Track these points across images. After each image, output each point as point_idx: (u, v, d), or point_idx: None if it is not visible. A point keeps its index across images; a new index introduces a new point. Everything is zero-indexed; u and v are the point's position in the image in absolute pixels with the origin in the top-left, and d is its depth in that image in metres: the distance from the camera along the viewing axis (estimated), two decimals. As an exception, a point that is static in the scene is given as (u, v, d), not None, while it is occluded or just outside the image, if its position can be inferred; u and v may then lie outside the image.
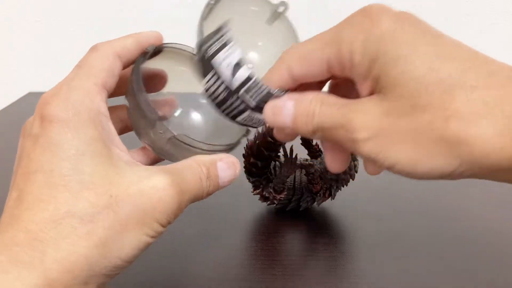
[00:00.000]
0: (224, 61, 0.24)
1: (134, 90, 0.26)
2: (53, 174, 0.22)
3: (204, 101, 0.32)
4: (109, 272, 0.22)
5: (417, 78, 0.20)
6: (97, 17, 0.90)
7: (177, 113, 0.32)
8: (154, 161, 0.30)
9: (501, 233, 0.40)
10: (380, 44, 0.21)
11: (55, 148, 0.22)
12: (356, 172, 0.42)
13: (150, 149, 0.29)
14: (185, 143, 0.26)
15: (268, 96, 0.25)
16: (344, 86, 0.26)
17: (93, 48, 0.26)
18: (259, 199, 0.43)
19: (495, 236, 0.40)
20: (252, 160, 0.41)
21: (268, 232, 0.41)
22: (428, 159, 0.20)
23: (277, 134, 0.27)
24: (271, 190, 0.42)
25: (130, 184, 0.23)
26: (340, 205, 0.45)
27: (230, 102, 0.25)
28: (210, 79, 0.25)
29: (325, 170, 0.42)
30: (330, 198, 0.43)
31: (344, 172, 0.42)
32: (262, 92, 0.25)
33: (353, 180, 0.42)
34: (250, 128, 0.29)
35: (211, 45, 0.25)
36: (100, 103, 0.24)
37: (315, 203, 0.44)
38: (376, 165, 0.23)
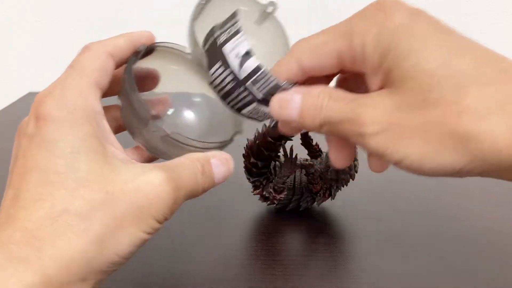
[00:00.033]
0: (233, 50, 0.24)
1: (127, 90, 0.26)
2: (48, 172, 0.22)
3: (197, 99, 0.32)
4: (107, 268, 0.22)
5: (429, 72, 0.20)
6: (97, 17, 0.90)
7: (170, 112, 0.32)
8: (148, 160, 0.30)
9: (501, 233, 0.40)
10: (393, 37, 0.21)
11: (50, 146, 0.22)
12: (356, 172, 0.42)
13: (144, 148, 0.29)
14: (178, 141, 0.26)
15: (276, 89, 0.24)
16: (352, 81, 0.26)
17: (85, 48, 0.26)
18: (259, 199, 0.43)
19: (495, 236, 0.40)
20: (252, 160, 0.41)
21: (268, 232, 0.41)
22: (437, 155, 0.20)
23: (282, 128, 0.27)
24: (271, 190, 0.42)
25: (125, 181, 0.23)
26: (340, 205, 0.45)
27: (236, 93, 0.25)
28: (217, 69, 0.25)
29: (325, 170, 0.42)
30: (330, 198, 0.43)
31: (344, 172, 0.42)
32: (269, 84, 0.24)
33: (353, 180, 0.42)
34: (255, 122, 0.29)
35: (221, 34, 0.25)
36: (94, 102, 0.24)
37: (315, 203, 0.44)
38: (383, 161, 0.23)
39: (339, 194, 0.44)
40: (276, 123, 0.40)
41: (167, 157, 0.28)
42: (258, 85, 0.24)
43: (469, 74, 0.19)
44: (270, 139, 0.40)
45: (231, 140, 0.29)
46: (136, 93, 0.26)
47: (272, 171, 0.43)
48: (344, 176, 0.42)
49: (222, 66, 0.25)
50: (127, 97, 0.26)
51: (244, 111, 0.26)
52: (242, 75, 0.24)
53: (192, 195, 0.25)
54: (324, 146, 0.44)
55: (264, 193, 0.42)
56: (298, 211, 0.44)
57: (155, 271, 0.36)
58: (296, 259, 0.37)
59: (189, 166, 0.25)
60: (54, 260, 0.20)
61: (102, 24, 0.90)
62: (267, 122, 0.41)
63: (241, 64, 0.24)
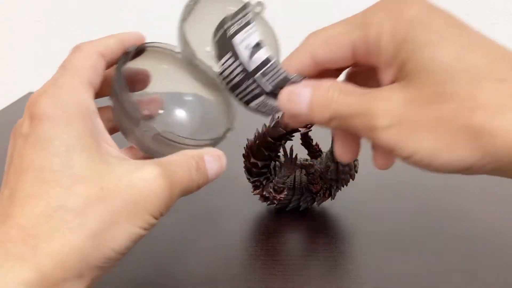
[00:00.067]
0: (244, 41, 0.24)
1: (117, 90, 0.26)
2: (43, 170, 0.22)
3: (188, 98, 0.33)
4: (103, 264, 0.22)
5: (444, 65, 0.20)
6: (97, 17, 0.90)
7: (161, 111, 0.33)
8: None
9: (501, 233, 0.40)
10: (409, 30, 0.21)
11: (45, 145, 0.22)
12: (356, 172, 0.42)
13: (137, 148, 0.29)
14: (170, 140, 0.26)
15: (285, 81, 0.24)
16: (362, 76, 0.26)
17: (76, 48, 0.26)
18: (259, 199, 0.43)
19: (495, 236, 0.40)
20: (252, 160, 0.41)
21: (268, 232, 0.41)
22: (448, 150, 0.20)
23: (289, 121, 0.26)
24: (271, 190, 0.42)
25: (120, 177, 0.23)
26: (340, 205, 0.45)
27: (245, 85, 0.25)
28: (227, 60, 0.25)
29: (325, 170, 0.42)
30: (330, 198, 0.43)
31: (344, 172, 0.42)
32: (279, 76, 0.24)
33: (353, 180, 0.42)
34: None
35: (231, 25, 0.25)
36: (88, 100, 0.24)
37: (315, 203, 0.44)
38: (390, 156, 0.23)
39: (339, 194, 0.44)
40: (277, 123, 0.40)
41: (160, 156, 0.28)
42: (267, 77, 0.24)
43: (483, 69, 0.19)
44: (270, 139, 0.40)
45: (223, 136, 0.29)
46: (127, 93, 0.26)
47: (272, 171, 0.43)
48: (344, 176, 0.42)
49: (232, 58, 0.25)
50: (117, 98, 0.26)
51: (252, 104, 0.26)
52: (252, 66, 0.24)
53: (188, 191, 0.25)
54: (324, 146, 0.44)
55: (264, 193, 0.42)
56: (298, 211, 0.44)
57: (155, 271, 0.36)
58: (296, 259, 0.37)
59: (183, 162, 0.25)
60: (50, 257, 0.21)
61: (102, 24, 0.90)
62: (267, 122, 0.41)
63: (251, 56, 0.24)
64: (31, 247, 0.20)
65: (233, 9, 0.31)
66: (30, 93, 0.83)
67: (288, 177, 0.42)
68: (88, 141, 0.23)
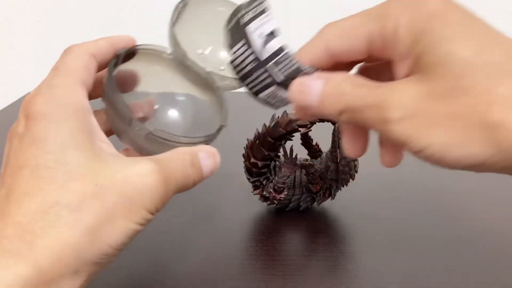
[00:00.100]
0: (258, 29, 0.24)
1: (108, 91, 0.26)
2: (38, 168, 0.22)
3: (180, 97, 0.33)
4: (99, 260, 0.22)
5: (462, 59, 0.19)
6: (97, 17, 0.91)
7: (153, 111, 0.33)
8: None
9: (501, 233, 0.40)
10: (428, 22, 0.20)
11: (40, 143, 0.22)
12: (356, 172, 0.42)
13: (131, 148, 0.29)
14: (162, 138, 0.26)
15: (297, 72, 0.24)
16: (374, 72, 0.25)
17: (67, 50, 0.26)
18: (259, 199, 0.43)
19: (495, 236, 0.40)
20: (252, 160, 0.41)
21: (268, 232, 0.41)
22: (462, 144, 0.19)
23: (298, 113, 0.26)
24: (271, 190, 0.42)
25: (114, 173, 0.23)
26: (340, 205, 0.45)
27: (256, 75, 0.25)
28: (239, 48, 0.24)
29: (325, 170, 0.42)
30: (330, 198, 0.43)
31: (344, 172, 0.42)
32: (291, 66, 0.24)
33: (353, 180, 0.42)
34: (272, 106, 0.28)
35: (246, 12, 0.24)
36: (82, 98, 0.25)
37: (315, 203, 0.44)
38: (403, 149, 0.22)
39: (339, 194, 0.44)
40: (277, 123, 0.40)
41: (155, 155, 0.28)
42: (279, 67, 0.24)
43: (502, 65, 0.19)
44: (270, 139, 0.40)
45: (216, 134, 0.29)
46: (118, 94, 0.26)
47: (272, 171, 0.43)
48: (344, 176, 0.42)
49: (245, 46, 0.24)
50: (109, 99, 0.26)
51: (262, 94, 0.26)
52: (264, 55, 0.24)
53: (183, 187, 0.25)
54: (324, 146, 0.44)
55: (264, 193, 0.42)
56: (298, 211, 0.44)
57: (155, 270, 0.36)
58: (296, 259, 0.37)
59: (178, 159, 0.25)
60: (46, 252, 0.21)
61: (102, 24, 0.90)
62: (267, 122, 0.41)
63: (264, 44, 0.24)
64: (27, 243, 0.21)
65: (223, 9, 0.31)
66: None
67: (288, 177, 0.42)
68: (83, 139, 0.23)
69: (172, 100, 0.33)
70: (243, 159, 0.43)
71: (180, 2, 0.30)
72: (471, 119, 0.19)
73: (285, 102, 0.26)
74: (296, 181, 0.42)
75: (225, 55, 0.33)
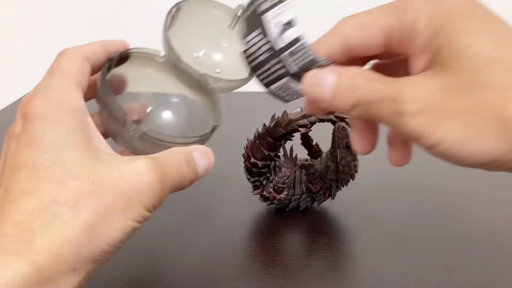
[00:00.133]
0: (275, 19, 0.23)
1: (102, 94, 0.27)
2: (36, 168, 0.22)
3: (173, 98, 0.33)
4: (98, 257, 0.22)
5: (482, 54, 0.19)
6: (97, 17, 0.90)
7: (147, 113, 0.33)
8: None
9: (501, 233, 0.40)
10: (448, 17, 0.20)
11: (37, 143, 0.23)
12: (356, 172, 0.42)
13: (127, 150, 0.29)
14: (156, 139, 0.27)
15: (312, 64, 0.23)
16: (388, 69, 0.25)
17: (61, 53, 0.26)
18: (259, 199, 0.43)
19: (495, 236, 0.40)
20: (252, 160, 0.41)
21: (268, 232, 0.41)
22: (477, 139, 0.19)
23: (309, 107, 0.26)
24: (271, 190, 0.42)
25: (111, 171, 0.23)
26: (340, 205, 0.45)
27: (269, 65, 0.24)
28: (254, 37, 0.24)
29: (325, 170, 0.42)
30: (330, 198, 0.43)
31: (344, 172, 0.42)
32: (307, 57, 0.23)
33: (353, 180, 0.42)
34: (282, 100, 0.27)
35: (263, 1, 0.24)
36: (77, 99, 0.25)
37: (315, 203, 0.44)
38: (417, 144, 0.22)
39: (339, 194, 0.44)
40: (277, 123, 0.40)
41: None
42: (294, 57, 0.23)
43: None
44: (270, 139, 0.40)
45: (210, 134, 0.29)
46: (111, 96, 0.26)
47: (272, 171, 0.43)
48: (344, 176, 0.42)
49: (260, 35, 0.24)
50: (103, 101, 0.27)
51: (273, 86, 0.25)
52: (280, 45, 0.23)
53: (179, 185, 0.26)
54: (324, 146, 0.44)
55: (264, 193, 0.42)
56: (298, 211, 0.44)
57: (155, 270, 0.36)
58: (296, 259, 0.37)
59: (174, 158, 0.25)
60: (44, 250, 0.21)
61: (102, 24, 0.90)
62: (267, 122, 0.41)
63: (281, 33, 0.23)
64: (25, 241, 0.21)
65: (216, 13, 0.31)
66: (30, 93, 0.83)
67: (288, 177, 0.42)
68: (79, 138, 0.23)
69: (165, 101, 0.33)
70: (243, 159, 0.43)
71: (173, 7, 0.30)
72: (487, 114, 0.19)
73: (296, 95, 0.26)
74: (296, 181, 0.42)
75: (220, 58, 0.33)
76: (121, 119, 0.26)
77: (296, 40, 0.23)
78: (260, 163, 0.41)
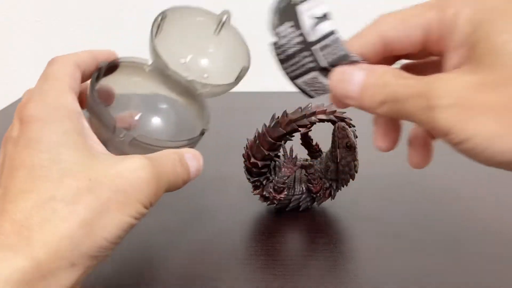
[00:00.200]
0: (309, 11, 0.23)
1: (92, 103, 0.27)
2: (34, 167, 0.23)
3: (162, 104, 0.34)
4: (96, 253, 0.23)
5: None
6: (97, 17, 0.90)
7: (136, 119, 0.34)
8: None
9: (501, 233, 0.40)
10: (489, 13, 0.20)
11: (35, 144, 0.23)
12: (356, 172, 0.42)
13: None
14: (146, 143, 0.27)
15: (343, 59, 0.23)
16: (417, 69, 0.25)
17: (52, 61, 0.27)
18: (259, 199, 0.43)
19: (495, 236, 0.40)
20: (252, 160, 0.41)
21: (268, 232, 0.41)
22: (508, 136, 0.19)
23: (334, 101, 0.26)
24: (271, 190, 0.42)
25: (108, 168, 0.24)
26: (340, 205, 0.45)
27: (299, 57, 0.24)
28: (287, 28, 0.24)
29: (325, 170, 0.42)
30: (330, 198, 0.43)
31: (344, 172, 0.42)
32: (338, 52, 0.23)
33: (353, 180, 0.42)
34: (306, 95, 0.27)
35: None
36: (72, 102, 0.26)
37: (315, 203, 0.44)
38: (444, 139, 0.21)
39: (339, 194, 0.44)
40: (277, 122, 0.40)
41: None
42: (326, 51, 0.23)
43: None
44: (270, 139, 0.40)
45: (198, 138, 0.30)
46: (100, 104, 0.27)
47: (272, 171, 0.43)
48: (344, 176, 0.42)
49: (293, 26, 0.24)
50: (92, 109, 0.28)
51: (300, 79, 0.25)
52: (312, 37, 0.23)
53: (174, 185, 0.26)
54: (324, 146, 0.44)
55: (264, 193, 0.42)
56: (298, 211, 0.44)
57: (154, 270, 0.36)
58: (296, 259, 0.37)
59: (168, 157, 0.26)
60: (43, 246, 0.21)
61: (102, 24, 0.90)
62: (267, 122, 0.41)
63: (314, 26, 0.23)
64: (24, 238, 0.21)
65: (201, 19, 0.32)
66: (30, 93, 0.83)
67: (288, 177, 0.42)
68: (75, 138, 0.24)
69: (154, 107, 0.34)
70: (243, 159, 0.43)
71: (158, 15, 0.31)
72: None
73: (322, 90, 0.25)
74: (296, 181, 0.42)
75: (206, 63, 0.34)
76: (111, 126, 0.27)
77: (330, 34, 0.23)
78: (260, 163, 0.41)
